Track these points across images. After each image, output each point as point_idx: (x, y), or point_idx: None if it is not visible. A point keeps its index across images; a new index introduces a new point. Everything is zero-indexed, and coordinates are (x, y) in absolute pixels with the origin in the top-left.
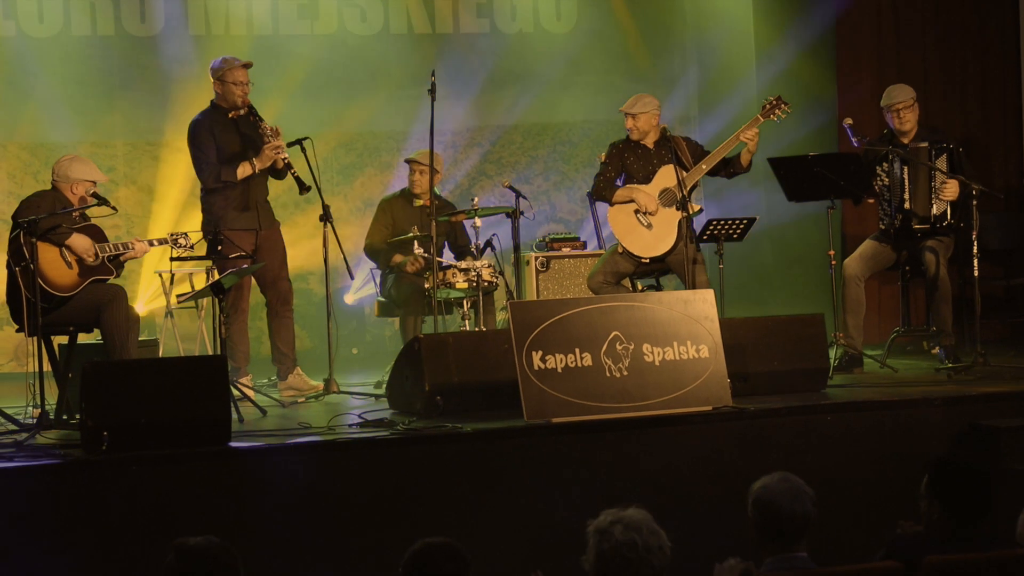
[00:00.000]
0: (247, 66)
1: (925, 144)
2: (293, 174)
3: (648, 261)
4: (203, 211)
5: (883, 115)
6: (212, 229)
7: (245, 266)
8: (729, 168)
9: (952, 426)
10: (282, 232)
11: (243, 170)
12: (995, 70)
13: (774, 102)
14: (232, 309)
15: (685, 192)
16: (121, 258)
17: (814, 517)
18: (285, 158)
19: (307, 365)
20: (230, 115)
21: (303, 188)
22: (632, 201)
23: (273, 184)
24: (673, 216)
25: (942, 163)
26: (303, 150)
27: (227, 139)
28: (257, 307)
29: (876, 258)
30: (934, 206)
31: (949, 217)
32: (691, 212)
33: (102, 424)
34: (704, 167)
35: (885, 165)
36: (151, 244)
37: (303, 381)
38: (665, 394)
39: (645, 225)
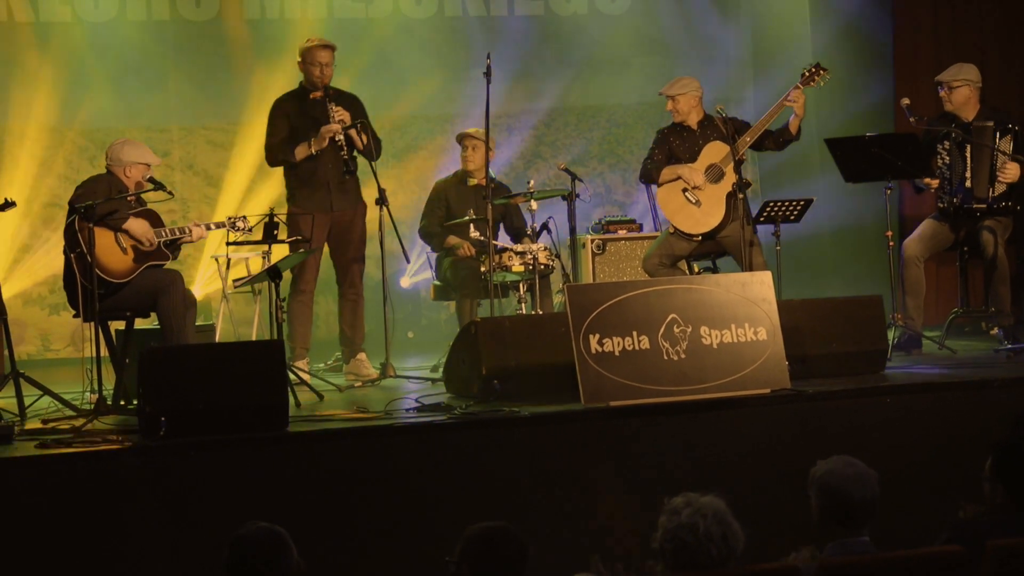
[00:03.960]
0: (327, 47)
1: (991, 123)
2: (343, 157)
3: (700, 239)
4: (286, 188)
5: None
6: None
7: (301, 250)
8: (779, 138)
9: (1012, 408)
10: None
11: (301, 151)
12: None
13: (813, 69)
14: (292, 290)
15: (732, 167)
16: (178, 242)
17: (879, 500)
18: (338, 140)
19: (365, 351)
20: (311, 96)
21: (347, 171)
22: (679, 179)
23: None
24: (720, 191)
25: (1007, 144)
26: (358, 133)
27: (301, 119)
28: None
29: (935, 238)
30: (994, 188)
31: (1008, 199)
32: (740, 182)
33: (160, 409)
34: (747, 139)
35: (947, 144)
36: (208, 228)
37: (362, 367)
38: (723, 377)
39: (694, 202)
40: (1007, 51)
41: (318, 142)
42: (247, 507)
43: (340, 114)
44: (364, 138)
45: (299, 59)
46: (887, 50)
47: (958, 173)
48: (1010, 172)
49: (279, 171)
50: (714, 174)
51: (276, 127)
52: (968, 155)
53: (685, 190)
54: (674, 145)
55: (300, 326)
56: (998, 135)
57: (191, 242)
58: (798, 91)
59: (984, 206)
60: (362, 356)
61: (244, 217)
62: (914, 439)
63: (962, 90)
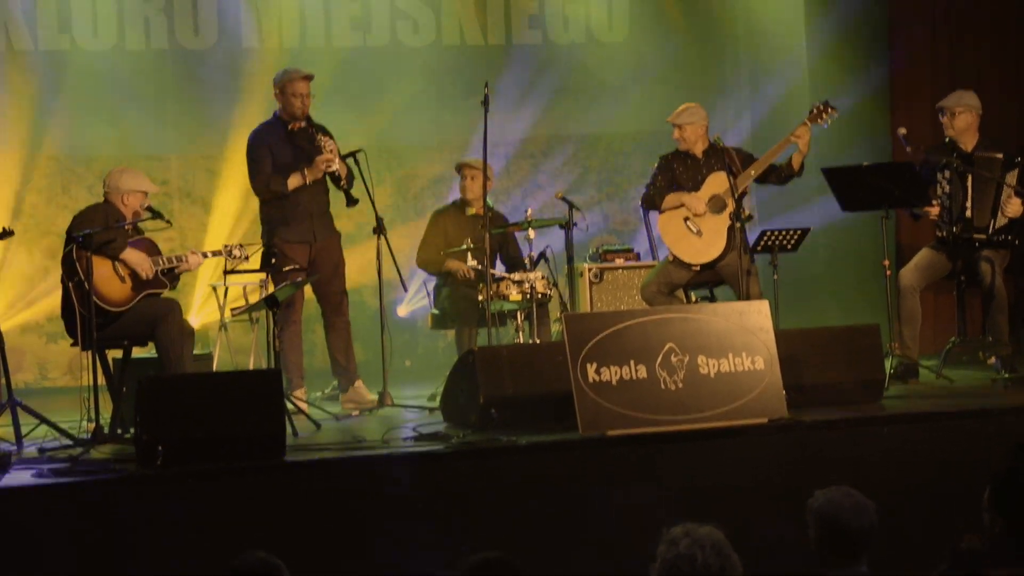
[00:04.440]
0: (308, 78)
1: (1000, 155)
2: (342, 187)
3: (699, 269)
4: (262, 222)
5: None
6: (266, 241)
7: (299, 279)
8: (781, 173)
9: (1009, 438)
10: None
11: (294, 181)
12: None
13: (821, 107)
14: (284, 321)
15: (735, 198)
16: (176, 271)
17: (877, 530)
18: (335, 171)
19: (361, 377)
20: (290, 127)
21: (350, 202)
22: (682, 206)
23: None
24: (722, 222)
25: (1012, 177)
26: (356, 162)
27: (283, 151)
28: (309, 320)
29: (932, 268)
30: (996, 220)
31: (1008, 232)
32: (742, 216)
33: (157, 438)
34: (752, 172)
35: (948, 173)
36: (204, 256)
37: (360, 395)
38: (720, 406)
39: (695, 232)
40: (1005, 82)
41: (312, 172)
42: (244, 536)
43: (331, 144)
44: (344, 169)
45: (276, 90)
46: (884, 80)
47: (958, 203)
48: (1013, 207)
49: None
50: (717, 204)
51: (263, 161)
52: (969, 185)
53: (687, 219)
54: (677, 172)
55: (295, 356)
56: (1004, 167)
57: (188, 270)
58: (805, 127)
59: (984, 236)
60: (359, 383)
61: (241, 245)
62: (912, 469)
63: (964, 116)
